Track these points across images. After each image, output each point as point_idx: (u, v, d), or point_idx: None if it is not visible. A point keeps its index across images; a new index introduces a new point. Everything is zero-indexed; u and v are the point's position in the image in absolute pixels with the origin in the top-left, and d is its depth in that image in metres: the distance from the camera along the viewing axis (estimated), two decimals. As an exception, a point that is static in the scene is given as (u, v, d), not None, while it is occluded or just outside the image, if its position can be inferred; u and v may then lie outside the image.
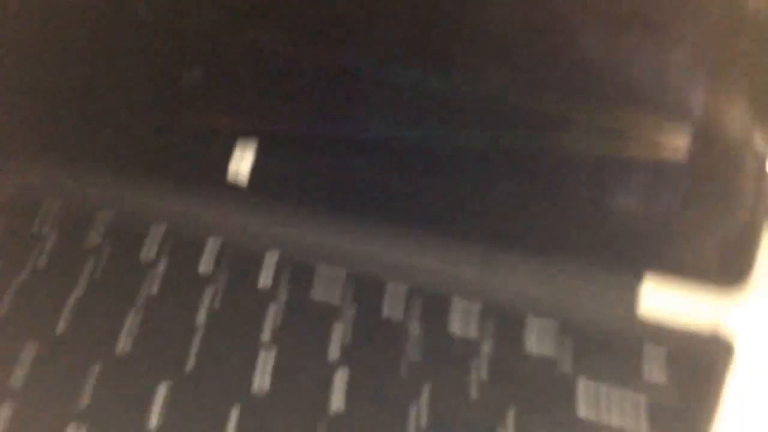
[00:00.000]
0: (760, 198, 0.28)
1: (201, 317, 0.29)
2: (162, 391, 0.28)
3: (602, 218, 0.30)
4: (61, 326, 0.29)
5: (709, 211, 0.29)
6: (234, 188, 0.32)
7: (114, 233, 0.32)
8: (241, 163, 0.32)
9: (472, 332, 0.28)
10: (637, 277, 0.29)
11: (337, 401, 0.27)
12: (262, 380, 0.28)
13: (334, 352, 0.28)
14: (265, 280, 0.30)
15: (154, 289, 0.30)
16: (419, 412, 0.26)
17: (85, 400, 0.28)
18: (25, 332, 0.29)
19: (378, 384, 0.27)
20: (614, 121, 0.29)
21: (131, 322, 0.29)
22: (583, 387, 0.27)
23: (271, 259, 0.31)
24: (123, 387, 0.28)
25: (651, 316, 0.29)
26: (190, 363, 0.28)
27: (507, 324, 0.29)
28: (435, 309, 0.29)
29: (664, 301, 0.29)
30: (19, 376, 0.28)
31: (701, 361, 0.27)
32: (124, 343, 0.29)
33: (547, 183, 0.30)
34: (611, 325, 0.28)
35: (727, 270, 0.29)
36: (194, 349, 0.28)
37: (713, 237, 0.29)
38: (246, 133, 0.32)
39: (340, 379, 0.27)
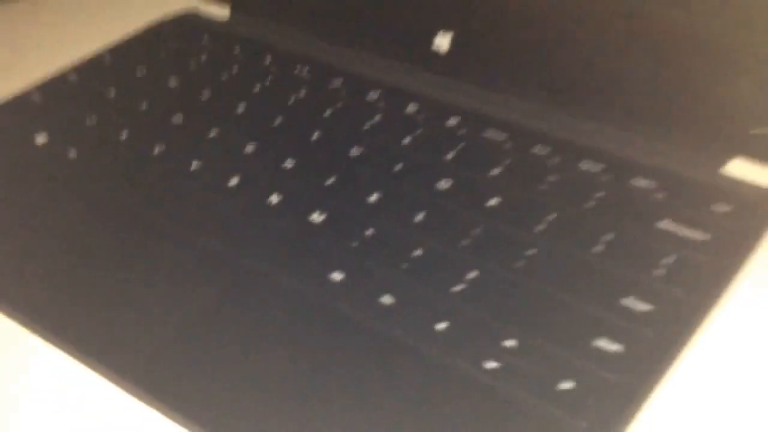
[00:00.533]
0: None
1: (407, 141, 0.44)
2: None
3: (705, 102, 0.41)
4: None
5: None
6: (435, 59, 0.46)
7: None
8: (443, 40, 0.46)
9: (595, 170, 0.41)
10: (724, 152, 0.41)
11: (492, 202, 0.40)
12: (445, 184, 0.41)
13: (495, 173, 0.41)
14: (452, 124, 0.45)
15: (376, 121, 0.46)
16: (550, 217, 0.39)
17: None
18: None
19: (522, 196, 0.40)
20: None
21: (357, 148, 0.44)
22: (664, 224, 0.38)
23: (455, 120, 0.45)
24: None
25: (728, 180, 0.40)
26: (398, 167, 0.42)
27: (621, 174, 0.41)
28: (570, 162, 0.42)
29: (742, 172, 0.40)
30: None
31: (760, 212, 0.38)
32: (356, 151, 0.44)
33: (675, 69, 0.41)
34: (698, 184, 0.40)
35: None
36: (400, 164, 0.43)
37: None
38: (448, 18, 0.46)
39: (495, 200, 0.40)
